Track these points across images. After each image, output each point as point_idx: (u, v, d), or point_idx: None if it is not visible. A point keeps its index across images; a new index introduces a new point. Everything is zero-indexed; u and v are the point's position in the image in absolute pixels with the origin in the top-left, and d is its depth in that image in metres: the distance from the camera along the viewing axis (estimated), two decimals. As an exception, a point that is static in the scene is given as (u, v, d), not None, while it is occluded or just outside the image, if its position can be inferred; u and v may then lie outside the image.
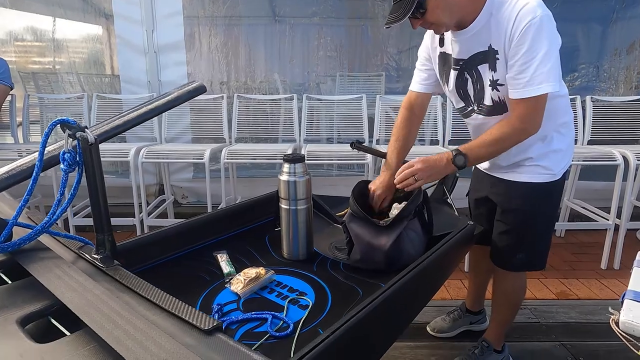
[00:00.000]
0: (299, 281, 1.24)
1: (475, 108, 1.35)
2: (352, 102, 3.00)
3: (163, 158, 2.60)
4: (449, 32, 1.28)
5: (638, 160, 2.41)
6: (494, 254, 1.53)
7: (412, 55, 3.20)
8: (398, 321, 1.10)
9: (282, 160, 1.31)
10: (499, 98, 1.26)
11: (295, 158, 1.29)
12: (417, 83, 1.50)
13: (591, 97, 2.87)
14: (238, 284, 1.16)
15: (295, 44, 3.19)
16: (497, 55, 1.20)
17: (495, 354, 1.65)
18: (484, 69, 1.25)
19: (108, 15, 3.10)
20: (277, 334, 0.98)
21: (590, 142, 2.83)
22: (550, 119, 1.27)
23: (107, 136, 0.78)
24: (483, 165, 1.55)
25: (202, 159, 2.45)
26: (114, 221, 2.86)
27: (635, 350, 0.84)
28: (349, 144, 1.42)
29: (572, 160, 2.43)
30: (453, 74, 1.33)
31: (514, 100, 1.19)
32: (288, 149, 2.58)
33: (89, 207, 2.82)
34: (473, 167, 1.65)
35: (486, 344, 1.65)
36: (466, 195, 1.75)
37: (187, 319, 0.57)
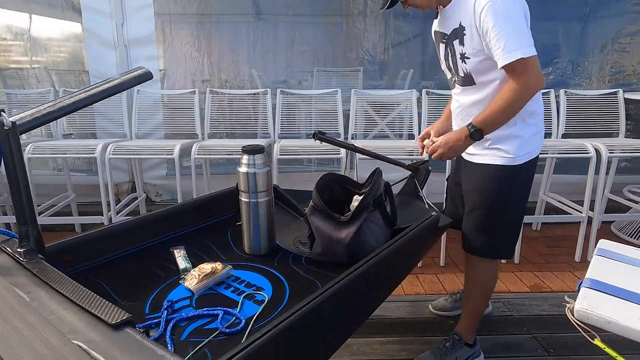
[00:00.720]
0: (258, 276, 1.20)
1: (456, 78, 1.49)
2: (328, 97, 2.97)
3: (132, 154, 2.53)
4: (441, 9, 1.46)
5: (610, 153, 2.43)
6: (463, 236, 1.58)
7: (389, 51, 3.19)
8: (354, 313, 1.07)
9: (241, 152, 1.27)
10: (467, 70, 1.40)
11: (254, 149, 1.25)
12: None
13: (565, 91, 2.88)
14: (192, 279, 1.12)
15: (272, 39, 3.14)
16: (464, 32, 1.35)
17: (467, 347, 1.64)
18: (456, 43, 1.40)
19: (78, 8, 3.01)
20: (228, 330, 0.94)
21: (564, 136, 2.84)
22: None
23: (33, 124, 0.72)
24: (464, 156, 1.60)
25: (172, 155, 2.39)
26: (82, 220, 2.77)
27: (590, 339, 0.82)
28: (312, 135, 1.39)
29: (548, 154, 2.48)
30: (442, 48, 1.50)
31: (504, 69, 1.30)
32: (261, 144, 2.53)
33: (57, 205, 2.69)
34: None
35: (457, 337, 1.64)
36: (446, 180, 1.82)
37: (95, 313, 0.53)
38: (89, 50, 2.96)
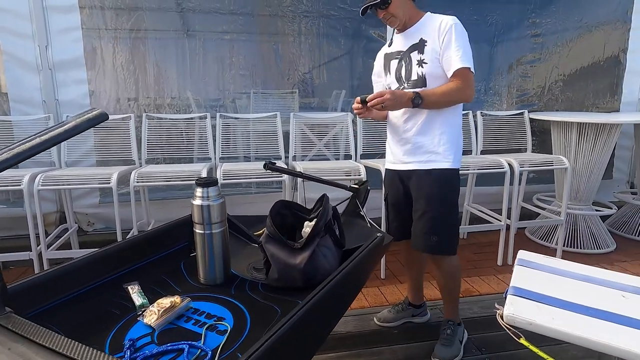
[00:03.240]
0: (217, 306, 1.22)
1: (406, 85, 1.75)
2: (267, 120, 3.04)
3: (64, 184, 2.39)
4: (397, 35, 1.80)
5: (521, 167, 2.75)
6: (414, 239, 1.79)
7: (322, 72, 3.32)
8: (316, 335, 1.14)
9: (194, 185, 1.29)
10: (422, 73, 1.70)
11: (208, 182, 1.29)
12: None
13: (481, 112, 3.22)
14: (152, 315, 1.12)
15: (207, 60, 3.15)
16: (425, 43, 1.69)
17: (459, 326, 1.93)
18: (414, 54, 1.72)
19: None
20: (195, 363, 0.97)
21: (482, 152, 3.16)
22: (443, 114, 1.71)
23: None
24: (393, 166, 1.88)
25: (109, 183, 2.31)
26: (5, 257, 2.56)
27: (517, 339, 0.97)
28: (263, 165, 1.45)
29: (469, 169, 2.75)
30: (394, 63, 1.80)
31: (454, 73, 1.63)
32: (202, 169, 2.53)
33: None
34: (383, 175, 1.98)
35: (452, 322, 1.90)
36: (384, 201, 1.97)
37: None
38: (7, 73, 2.77)
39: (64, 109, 2.84)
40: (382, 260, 2.63)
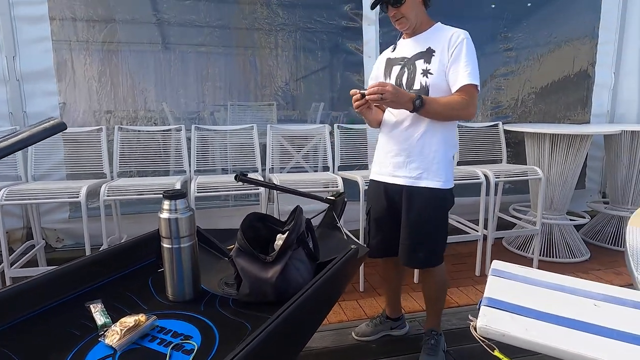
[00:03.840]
0: (184, 324, 1.17)
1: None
2: (243, 132, 3.01)
3: (30, 199, 2.30)
4: (402, 40, 1.76)
5: (497, 177, 2.78)
6: (401, 254, 1.76)
7: (300, 85, 3.32)
8: (288, 351, 1.10)
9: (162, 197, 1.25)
10: (425, 83, 1.64)
11: (175, 194, 1.24)
12: None
13: (457, 124, 3.25)
14: (114, 335, 1.06)
15: (183, 72, 3.11)
16: (433, 54, 1.64)
17: (441, 337, 1.93)
18: (419, 62, 1.66)
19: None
20: (158, 386, 0.92)
21: (458, 163, 3.19)
22: (442, 131, 1.66)
23: None
24: (379, 178, 1.81)
25: (78, 197, 2.23)
26: (-34, 276, 2.43)
27: (490, 351, 0.95)
28: (234, 177, 1.41)
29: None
30: (396, 69, 1.73)
31: (460, 88, 1.58)
32: (177, 181, 2.47)
33: None
34: (367, 186, 1.93)
35: (434, 332, 1.91)
36: (366, 214, 1.92)
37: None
38: (-29, 85, 2.67)
39: (32, 121, 2.75)
40: (361, 273, 2.60)
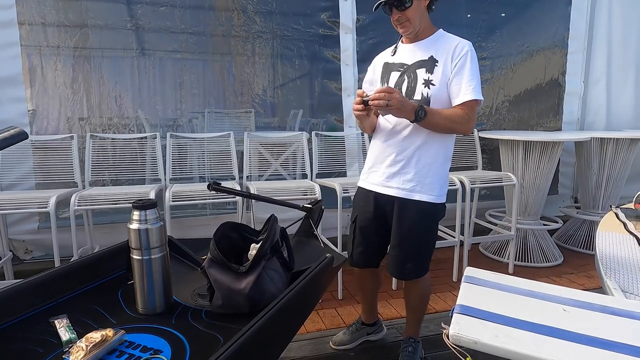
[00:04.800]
0: (155, 337, 1.14)
1: None
2: (220, 139, 2.97)
3: (-4, 209, 2.22)
4: (402, 45, 1.71)
5: (472, 184, 2.83)
6: (388, 265, 1.76)
7: (277, 92, 3.31)
8: (261, 363, 1.08)
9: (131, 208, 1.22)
10: (427, 94, 1.60)
11: (145, 204, 1.22)
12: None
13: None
14: (79, 352, 1.02)
15: (159, 79, 3.06)
16: (436, 63, 1.60)
17: (419, 344, 1.93)
18: (421, 71, 1.62)
19: None
20: (123, 404, 0.88)
21: (435, 170, 3.22)
22: (440, 145, 1.64)
23: None
24: (369, 186, 1.77)
25: (47, 207, 2.16)
26: None
27: (463, 358, 0.95)
28: (207, 186, 1.39)
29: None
30: (394, 75, 1.68)
31: (464, 102, 1.55)
32: (151, 190, 2.42)
33: None
34: (355, 192, 1.89)
35: (412, 339, 1.91)
36: (351, 223, 1.88)
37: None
38: None
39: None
40: (339, 281, 2.59)
